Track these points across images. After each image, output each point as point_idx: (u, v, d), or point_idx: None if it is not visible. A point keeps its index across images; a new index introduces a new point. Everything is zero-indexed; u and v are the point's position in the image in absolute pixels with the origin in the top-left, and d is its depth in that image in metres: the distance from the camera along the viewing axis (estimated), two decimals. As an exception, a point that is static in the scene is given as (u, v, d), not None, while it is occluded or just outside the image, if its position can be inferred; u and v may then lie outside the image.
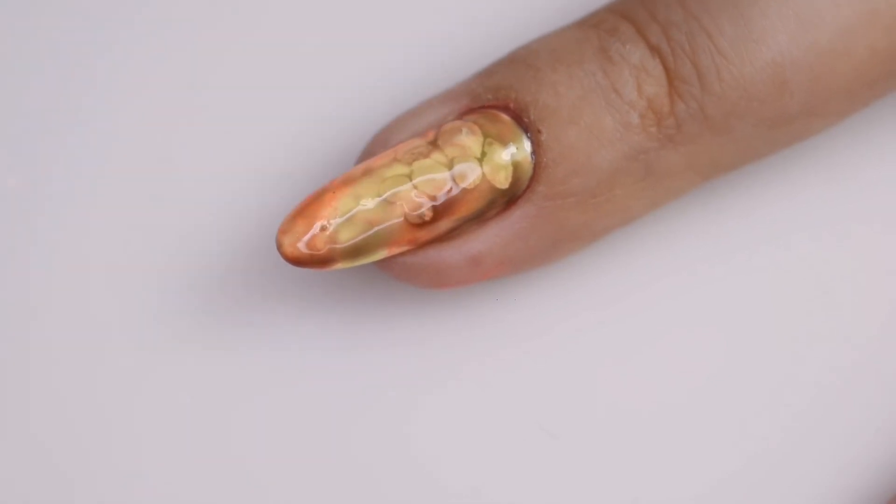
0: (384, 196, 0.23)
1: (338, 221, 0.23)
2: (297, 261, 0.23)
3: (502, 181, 0.24)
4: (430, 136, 0.24)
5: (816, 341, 0.26)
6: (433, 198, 0.23)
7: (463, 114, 0.24)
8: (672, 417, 0.25)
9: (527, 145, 0.24)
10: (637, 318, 0.26)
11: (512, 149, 0.24)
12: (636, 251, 0.26)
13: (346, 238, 0.23)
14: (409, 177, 0.23)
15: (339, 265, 0.24)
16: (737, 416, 0.25)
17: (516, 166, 0.24)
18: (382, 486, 0.25)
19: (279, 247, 0.23)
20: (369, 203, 0.23)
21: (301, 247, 0.23)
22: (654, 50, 0.24)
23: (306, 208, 0.23)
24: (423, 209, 0.23)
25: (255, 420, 0.25)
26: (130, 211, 0.26)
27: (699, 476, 0.25)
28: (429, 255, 0.24)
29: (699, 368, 0.26)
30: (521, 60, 0.24)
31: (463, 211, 0.24)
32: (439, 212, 0.24)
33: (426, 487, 0.25)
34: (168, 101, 0.27)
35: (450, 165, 0.24)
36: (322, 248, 0.23)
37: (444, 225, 0.24)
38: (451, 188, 0.23)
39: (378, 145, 0.25)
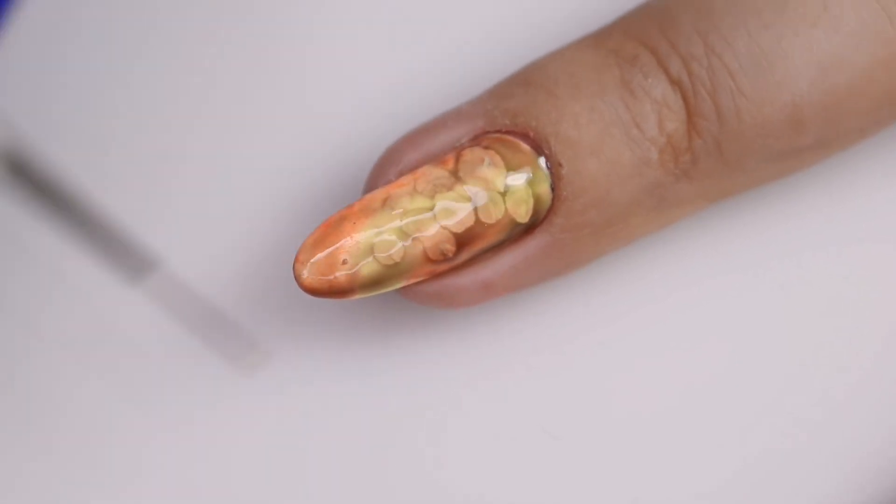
0: (404, 226, 0.23)
1: (357, 253, 0.23)
2: (315, 291, 0.23)
3: (523, 215, 0.24)
4: (450, 164, 0.24)
5: (824, 354, 0.26)
6: (454, 232, 0.23)
7: (478, 136, 0.24)
8: (674, 422, 0.26)
9: (545, 174, 0.24)
10: (641, 327, 0.26)
11: (527, 173, 0.24)
12: (644, 262, 0.26)
13: (367, 271, 0.23)
14: (431, 210, 0.23)
15: (357, 296, 0.24)
16: (738, 423, 0.26)
17: (537, 199, 0.24)
18: (387, 487, 0.26)
19: (297, 277, 0.23)
20: (390, 235, 0.23)
21: (319, 278, 0.23)
22: (675, 83, 0.24)
23: (325, 238, 0.23)
24: (440, 237, 0.23)
25: (268, 442, 0.26)
26: (147, 234, 0.25)
27: (699, 478, 0.26)
28: (443, 284, 0.24)
29: (700, 372, 0.26)
30: (540, 85, 0.24)
31: (483, 244, 0.24)
32: (460, 245, 0.23)
33: (429, 487, 0.26)
34: (176, 118, 0.26)
35: (471, 199, 0.23)
36: (341, 279, 0.23)
37: (463, 257, 0.24)
38: (472, 222, 0.23)
39: (390, 163, 0.24)
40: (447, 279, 0.24)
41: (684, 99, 0.24)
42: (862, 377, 0.26)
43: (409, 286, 0.24)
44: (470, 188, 0.23)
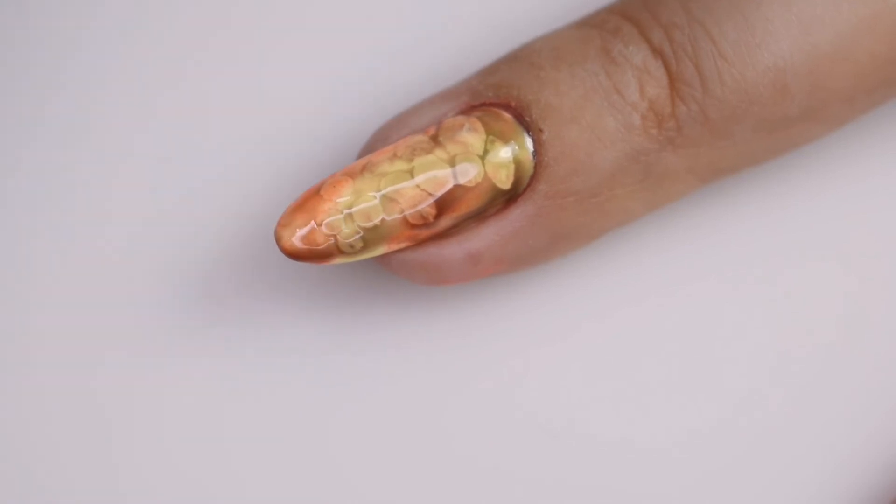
0: (385, 192, 0.23)
1: (337, 216, 0.23)
2: (296, 255, 0.23)
3: (503, 180, 0.24)
4: (432, 131, 0.24)
5: (825, 351, 0.26)
6: (434, 195, 0.23)
7: (463, 111, 0.24)
8: (670, 416, 0.25)
9: (528, 144, 0.24)
10: (635, 315, 0.26)
11: (513, 147, 0.24)
12: (636, 250, 0.26)
13: (346, 233, 0.23)
14: (411, 173, 0.23)
15: (338, 260, 0.24)
16: (735, 415, 0.25)
17: (518, 165, 0.24)
18: (378, 482, 0.25)
19: (278, 240, 0.23)
20: (370, 199, 0.23)
21: (300, 241, 0.23)
22: (657, 52, 0.24)
23: (306, 202, 0.23)
24: (423, 204, 0.23)
25: (251, 417, 0.25)
26: (129, 205, 0.26)
27: (698, 473, 0.25)
28: (428, 252, 0.24)
29: (698, 365, 0.26)
30: (523, 59, 0.24)
31: (463, 209, 0.24)
32: (440, 210, 0.23)
33: (424, 484, 0.25)
34: (167, 96, 0.26)
35: (452, 163, 0.23)
36: (321, 242, 0.23)
37: (444, 223, 0.24)
38: (452, 186, 0.23)
39: (378, 141, 0.25)
40: (432, 248, 0.24)
41: (666, 66, 0.24)
42: (859, 373, 0.26)
43: (393, 254, 0.24)
44: (449, 152, 0.23)
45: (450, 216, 0.24)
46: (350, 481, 0.25)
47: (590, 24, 0.25)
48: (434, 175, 0.23)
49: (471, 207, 0.24)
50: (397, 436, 0.25)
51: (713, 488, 0.25)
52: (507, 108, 0.24)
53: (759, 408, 0.25)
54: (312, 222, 0.23)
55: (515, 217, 0.24)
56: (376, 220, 0.23)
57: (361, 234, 0.23)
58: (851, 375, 0.26)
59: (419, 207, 0.23)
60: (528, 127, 0.24)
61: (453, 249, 0.24)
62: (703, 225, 0.26)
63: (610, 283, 0.26)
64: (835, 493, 0.25)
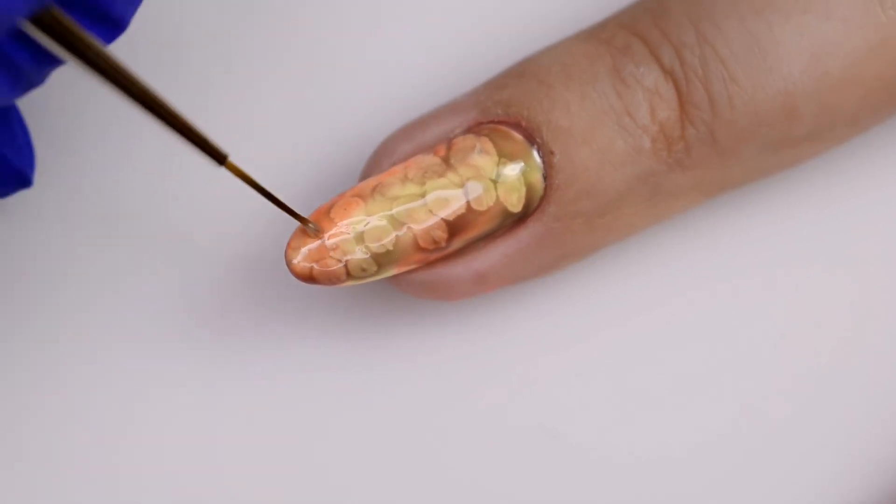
0: (395, 213, 0.23)
1: (348, 240, 0.23)
2: (307, 277, 0.23)
3: (515, 203, 0.24)
4: (442, 152, 0.24)
5: (825, 354, 0.26)
6: (445, 218, 0.23)
7: (471, 127, 0.24)
8: (677, 424, 0.26)
9: (538, 164, 0.24)
10: (642, 324, 0.26)
11: (521, 164, 0.24)
12: (643, 259, 0.26)
13: (357, 257, 0.23)
14: (422, 196, 0.23)
15: (348, 283, 0.24)
16: (742, 423, 0.26)
17: (529, 188, 0.24)
18: (383, 492, 0.25)
19: (288, 263, 0.23)
20: (381, 222, 0.23)
21: (310, 265, 0.23)
22: (667, 73, 0.24)
23: (316, 224, 0.23)
24: (432, 224, 0.23)
25: (259, 431, 0.25)
26: (139, 222, 0.26)
27: (705, 480, 0.26)
28: (435, 273, 0.24)
29: (705, 373, 0.26)
30: (533, 76, 0.24)
31: (474, 232, 0.24)
32: (451, 233, 0.23)
33: (430, 494, 0.25)
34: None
35: (462, 185, 0.23)
36: (332, 265, 0.23)
37: (454, 245, 0.24)
38: (463, 209, 0.23)
39: (384, 154, 0.24)
40: (440, 269, 0.24)
41: (676, 87, 0.24)
42: (866, 381, 0.26)
43: (402, 275, 0.24)
44: (462, 176, 0.23)
45: (461, 239, 0.24)
46: (355, 492, 0.26)
47: (598, 38, 0.24)
48: (445, 198, 0.23)
49: (482, 230, 0.24)
50: (404, 446, 0.26)
51: (722, 496, 0.26)
52: (516, 126, 0.24)
53: (766, 416, 0.26)
54: (323, 244, 0.23)
55: (523, 238, 0.24)
56: (388, 245, 0.23)
57: (372, 256, 0.23)
58: (858, 384, 0.26)
59: (427, 225, 0.23)
60: (538, 147, 0.24)
61: (460, 270, 0.24)
62: (710, 234, 0.26)
63: (617, 292, 0.26)
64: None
